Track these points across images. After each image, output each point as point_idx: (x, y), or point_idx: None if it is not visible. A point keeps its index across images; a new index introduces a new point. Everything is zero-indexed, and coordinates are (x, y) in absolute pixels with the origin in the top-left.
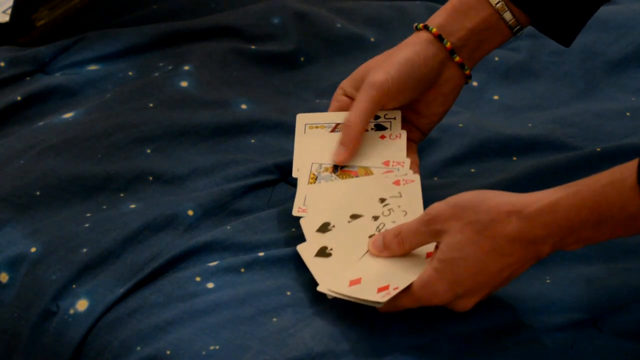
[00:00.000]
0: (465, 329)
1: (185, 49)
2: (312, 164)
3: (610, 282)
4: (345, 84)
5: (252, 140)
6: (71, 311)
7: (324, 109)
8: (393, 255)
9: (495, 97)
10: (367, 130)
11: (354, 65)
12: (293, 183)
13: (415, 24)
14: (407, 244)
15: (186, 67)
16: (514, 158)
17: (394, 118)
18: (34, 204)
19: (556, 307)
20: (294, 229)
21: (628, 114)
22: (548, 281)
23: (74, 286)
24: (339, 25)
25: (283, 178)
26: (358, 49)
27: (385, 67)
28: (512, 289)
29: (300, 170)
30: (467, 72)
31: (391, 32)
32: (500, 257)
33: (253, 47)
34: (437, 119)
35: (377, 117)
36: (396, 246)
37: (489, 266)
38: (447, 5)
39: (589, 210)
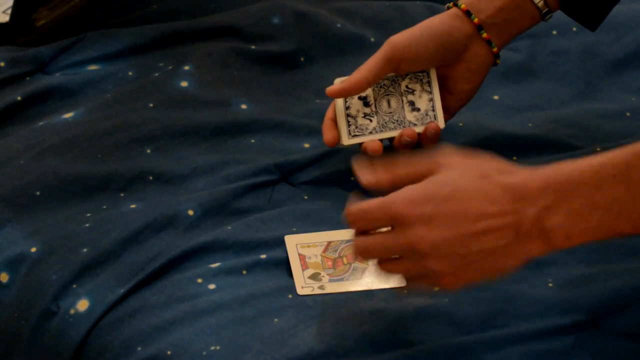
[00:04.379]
0: (465, 330)
1: (185, 49)
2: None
3: (611, 283)
4: None
5: (252, 140)
6: (72, 311)
7: (323, 108)
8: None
9: (495, 97)
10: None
11: (354, 65)
12: (293, 183)
13: (447, 4)
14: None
15: (186, 67)
16: (514, 158)
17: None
18: (34, 204)
19: (557, 309)
20: (295, 229)
21: (628, 114)
22: (551, 285)
23: (74, 286)
24: (339, 25)
25: (283, 178)
26: (358, 49)
27: (407, 30)
28: (514, 290)
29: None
30: (495, 49)
31: (391, 32)
32: (484, 201)
33: (253, 47)
34: (465, 97)
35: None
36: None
37: (468, 202)
38: None
39: (592, 171)
